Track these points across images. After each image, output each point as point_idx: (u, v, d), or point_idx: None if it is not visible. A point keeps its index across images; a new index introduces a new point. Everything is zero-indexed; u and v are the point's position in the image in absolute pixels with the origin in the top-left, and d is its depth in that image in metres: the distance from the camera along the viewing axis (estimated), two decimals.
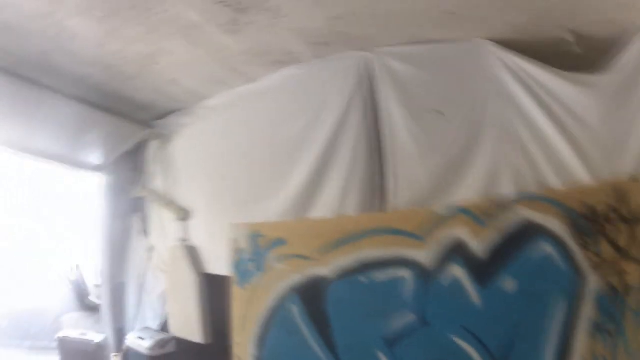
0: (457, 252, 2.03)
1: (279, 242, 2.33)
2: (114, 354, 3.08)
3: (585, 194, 1.90)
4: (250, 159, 2.67)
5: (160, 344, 3.14)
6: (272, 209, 2.44)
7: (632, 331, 1.87)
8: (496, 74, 2.20)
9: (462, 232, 2.03)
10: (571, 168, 2.05)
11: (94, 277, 4.40)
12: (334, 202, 2.32)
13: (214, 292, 2.75)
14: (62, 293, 5.88)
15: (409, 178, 2.24)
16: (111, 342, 3.44)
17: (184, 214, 3.03)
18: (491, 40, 2.25)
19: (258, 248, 2.39)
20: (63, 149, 3.44)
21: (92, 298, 5.10)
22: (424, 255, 2.06)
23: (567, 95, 2.12)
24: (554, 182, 2.06)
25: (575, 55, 2.29)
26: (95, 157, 3.52)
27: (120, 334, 3.45)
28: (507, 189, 2.11)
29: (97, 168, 3.54)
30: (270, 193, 2.49)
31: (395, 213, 2.23)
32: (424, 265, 2.06)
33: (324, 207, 2.34)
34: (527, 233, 1.96)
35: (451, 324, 2.01)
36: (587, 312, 1.85)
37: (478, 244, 2.00)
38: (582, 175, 2.05)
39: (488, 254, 1.98)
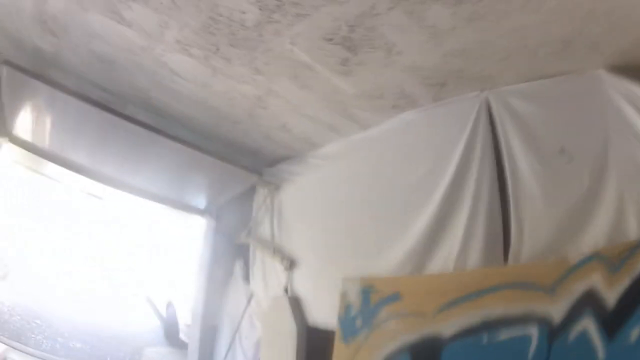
0: (588, 303, 1.83)
1: (394, 297, 2.30)
2: None
3: None
4: (365, 209, 2.65)
5: None
6: (385, 262, 2.42)
7: None
8: (616, 106, 2.05)
9: (594, 280, 1.85)
10: None
11: (187, 316, 4.63)
12: (454, 253, 2.22)
13: (314, 345, 2.75)
14: (149, 326, 6.22)
15: (534, 224, 2.10)
16: None
17: (289, 263, 3.07)
18: (607, 67, 2.08)
19: (368, 303, 2.39)
20: (168, 190, 3.66)
21: (182, 336, 5.39)
22: (553, 309, 1.89)
23: None
24: None
25: None
26: (200, 200, 3.73)
27: None
28: (634, 231, 1.92)
29: (202, 212, 3.74)
30: (383, 245, 2.47)
31: (523, 266, 2.08)
32: (553, 320, 1.88)
33: (443, 260, 2.26)
34: None
35: None
36: None
37: (609, 291, 1.81)
38: None
39: (618, 302, 1.79)
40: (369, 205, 2.65)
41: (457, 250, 2.23)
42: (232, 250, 3.61)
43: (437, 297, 2.17)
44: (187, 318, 4.59)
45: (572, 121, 2.19)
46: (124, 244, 8.00)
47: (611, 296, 1.83)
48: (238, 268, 3.60)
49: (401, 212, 2.47)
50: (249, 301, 3.44)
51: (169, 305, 5.96)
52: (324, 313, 2.63)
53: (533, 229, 2.13)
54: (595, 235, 2.02)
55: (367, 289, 2.42)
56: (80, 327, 5.32)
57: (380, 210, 2.58)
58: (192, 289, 3.95)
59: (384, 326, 2.31)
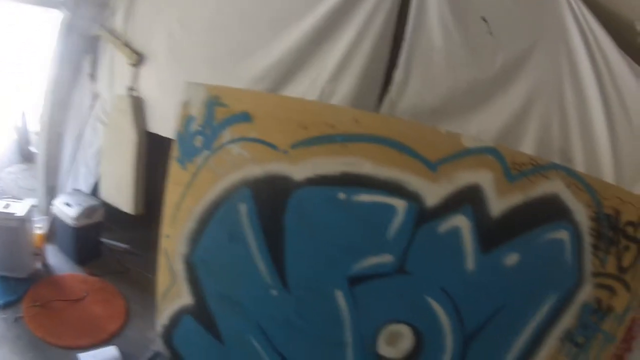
0: (470, 199, 1.54)
1: (243, 117, 1.69)
2: (38, 226, 2.57)
3: (620, 199, 1.65)
4: (234, 7, 1.99)
5: (87, 213, 2.65)
6: (243, 72, 1.83)
7: (595, 352, 1.80)
8: (561, 14, 1.83)
9: (483, 178, 1.53)
10: (599, 152, 1.88)
11: (36, 124, 3.90)
12: (323, 78, 1.76)
13: (156, 157, 2.21)
14: (7, 144, 5.31)
15: (424, 79, 1.73)
16: (42, 204, 3.00)
17: (137, 59, 2.34)
18: None
19: (212, 119, 1.75)
20: None
21: (32, 147, 4.59)
22: (429, 189, 1.53)
23: (626, 84, 1.88)
24: (578, 158, 1.88)
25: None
26: None
27: (52, 193, 2.98)
28: (527, 140, 1.81)
29: (58, 4, 2.81)
30: (245, 53, 1.87)
31: (409, 124, 1.66)
32: (425, 201, 1.54)
33: (308, 84, 1.79)
34: (553, 210, 1.57)
35: (432, 282, 1.56)
36: (568, 317, 1.69)
37: (496, 199, 1.54)
38: (605, 165, 1.90)
39: (503, 215, 1.55)
40: (240, 2, 1.99)
41: (328, 77, 1.76)
42: (84, 46, 2.75)
43: (294, 129, 1.60)
44: (37, 126, 3.79)
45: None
46: None
47: (498, 205, 1.53)
48: (86, 65, 2.75)
49: (276, 17, 1.89)
50: (93, 103, 2.68)
51: (22, 114, 4.94)
52: (171, 121, 1.99)
53: (421, 85, 1.74)
54: (486, 123, 1.77)
55: (213, 101, 1.74)
56: None
57: (251, 12, 1.95)
58: (40, 92, 3.13)
59: (228, 150, 1.72)
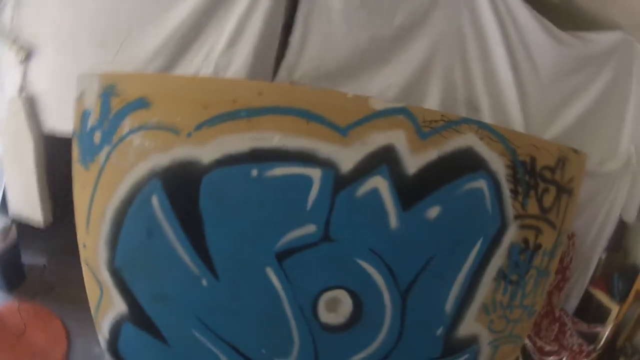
0: (385, 160, 1.52)
1: (140, 103, 1.55)
2: None
3: (534, 146, 1.73)
4: None
5: (1, 237, 2.42)
6: (135, 53, 1.69)
7: (531, 287, 1.91)
8: None
9: (396, 138, 1.52)
10: (506, 102, 1.95)
11: None
12: (217, 51, 1.67)
13: (60, 157, 2.00)
14: None
15: (322, 41, 1.68)
16: None
17: (25, 55, 2.07)
18: None
19: (109, 111, 1.60)
20: None
21: None
22: (342, 154, 1.50)
23: (533, 37, 1.97)
24: (485, 108, 1.94)
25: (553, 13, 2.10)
26: None
27: None
28: (432, 93, 1.83)
29: None
30: (135, 30, 1.71)
31: (316, 92, 1.64)
32: (340, 167, 1.50)
33: (202, 58, 1.68)
34: (468, 162, 1.61)
35: (359, 245, 1.55)
36: (498, 258, 1.76)
37: (411, 157, 1.54)
38: (514, 115, 1.96)
39: (419, 172, 1.55)
40: None
41: (222, 48, 1.67)
42: None
43: (196, 110, 1.49)
44: None
45: None
46: None
47: (413, 163, 1.54)
48: None
49: None
50: None
51: None
52: (68, 119, 1.81)
53: (320, 47, 1.69)
54: (393, 82, 1.76)
55: (108, 91, 1.59)
56: None
57: None
58: None
59: (129, 142, 1.58)
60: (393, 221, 1.53)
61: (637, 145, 2.44)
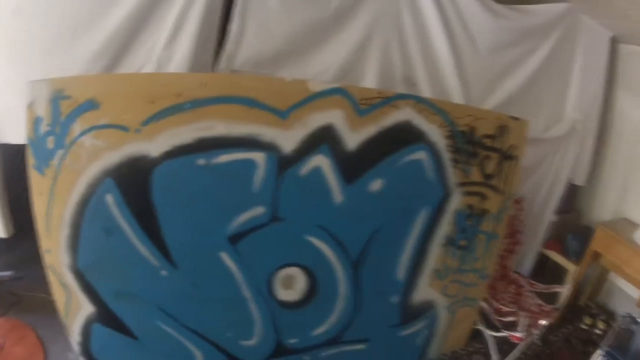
0: (325, 139, 1.61)
1: (89, 105, 1.60)
2: None
3: (472, 116, 1.83)
4: None
5: None
6: (80, 55, 1.70)
7: (481, 251, 2.01)
8: None
9: (335, 117, 1.60)
10: (444, 75, 2.01)
11: None
12: (159, 45, 1.68)
13: (17, 167, 1.96)
14: None
15: (261, 28, 1.71)
16: None
17: None
18: None
19: (59, 115, 1.65)
20: None
21: None
22: (283, 136, 1.58)
23: (470, 11, 2.02)
24: (424, 83, 2.00)
25: None
26: None
27: None
28: (370, 72, 1.88)
29: None
30: (79, 31, 1.72)
31: (256, 79, 1.68)
32: (283, 149, 1.59)
33: (145, 54, 1.69)
34: (407, 136, 1.70)
35: (307, 222, 1.63)
36: (444, 225, 1.87)
37: (351, 134, 1.63)
38: (452, 87, 2.02)
39: (360, 148, 1.65)
40: None
41: (164, 43, 1.68)
42: None
43: (142, 106, 1.56)
44: None
45: None
46: None
47: (352, 139, 1.62)
48: None
49: None
50: None
51: None
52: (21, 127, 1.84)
53: (258, 33, 1.73)
54: (330, 63, 1.81)
55: (57, 95, 1.64)
56: None
57: None
58: None
59: (81, 144, 1.63)
60: (338, 196, 1.62)
61: (582, 111, 2.53)
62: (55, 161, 1.70)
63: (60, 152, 1.69)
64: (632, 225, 2.67)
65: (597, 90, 2.58)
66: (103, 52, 1.69)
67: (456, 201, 1.84)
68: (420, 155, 1.73)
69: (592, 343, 2.41)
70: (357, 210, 1.65)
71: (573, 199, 3.04)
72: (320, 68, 1.80)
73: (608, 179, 2.98)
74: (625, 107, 2.86)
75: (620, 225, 2.70)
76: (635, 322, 2.22)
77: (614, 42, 2.70)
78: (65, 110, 1.65)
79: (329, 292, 1.72)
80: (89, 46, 1.68)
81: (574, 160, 2.61)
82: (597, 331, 2.67)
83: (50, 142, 1.71)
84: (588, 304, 2.97)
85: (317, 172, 1.59)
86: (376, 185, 1.66)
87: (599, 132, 2.81)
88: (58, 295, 1.91)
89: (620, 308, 2.67)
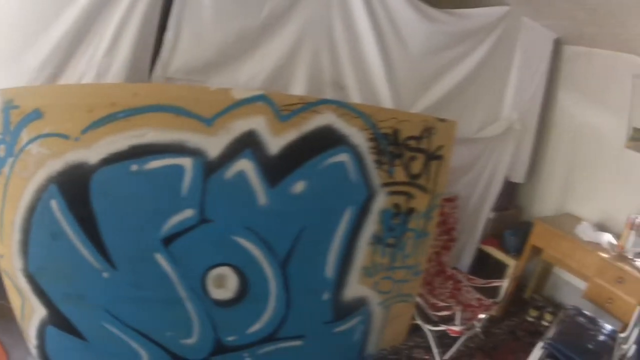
0: (248, 144, 1.71)
1: (35, 115, 1.73)
2: None
3: (396, 119, 1.89)
4: None
5: None
6: (27, 65, 1.80)
7: (411, 248, 2.08)
8: None
9: (257, 123, 1.70)
10: (374, 80, 2.05)
11: None
12: (99, 55, 1.78)
13: None
14: None
15: (193, 38, 1.78)
16: None
17: None
18: None
19: (9, 125, 1.78)
20: None
21: None
22: (209, 142, 1.69)
23: (402, 16, 2.04)
24: (353, 88, 2.03)
25: None
26: None
27: None
28: (299, 78, 1.94)
29: None
30: (29, 42, 1.81)
31: (181, 88, 1.79)
32: (208, 154, 1.69)
33: (86, 63, 1.79)
34: (328, 139, 1.79)
35: (234, 223, 1.73)
36: (371, 224, 1.93)
37: (273, 139, 1.72)
38: (382, 92, 2.05)
39: (282, 152, 1.74)
40: None
41: (103, 51, 1.77)
42: None
43: (82, 115, 1.68)
44: None
45: None
46: None
47: (274, 144, 1.72)
48: None
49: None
50: None
51: None
52: None
53: (191, 42, 1.80)
54: (260, 70, 1.88)
55: (8, 105, 1.77)
56: None
57: None
58: None
59: (28, 152, 1.76)
60: (262, 198, 1.72)
61: (520, 111, 2.59)
62: (6, 169, 1.82)
63: (10, 160, 1.81)
64: (575, 219, 2.71)
65: (537, 91, 2.64)
66: (47, 61, 1.79)
67: (381, 201, 1.92)
68: (343, 157, 1.82)
69: (538, 334, 2.45)
70: (282, 211, 1.75)
71: (514, 196, 3.08)
72: (250, 75, 1.89)
73: (550, 176, 3.05)
74: (567, 106, 2.94)
75: (562, 220, 2.75)
76: (581, 314, 2.24)
77: (558, 44, 2.78)
78: (14, 120, 1.77)
79: (259, 291, 1.80)
80: (36, 56, 1.78)
81: (511, 159, 2.65)
82: (545, 323, 2.70)
83: (1, 151, 1.84)
84: (533, 297, 3.00)
85: (241, 175, 1.69)
86: (299, 187, 1.75)
87: (541, 130, 2.87)
88: (14, 299, 2.00)
89: (568, 300, 2.73)
